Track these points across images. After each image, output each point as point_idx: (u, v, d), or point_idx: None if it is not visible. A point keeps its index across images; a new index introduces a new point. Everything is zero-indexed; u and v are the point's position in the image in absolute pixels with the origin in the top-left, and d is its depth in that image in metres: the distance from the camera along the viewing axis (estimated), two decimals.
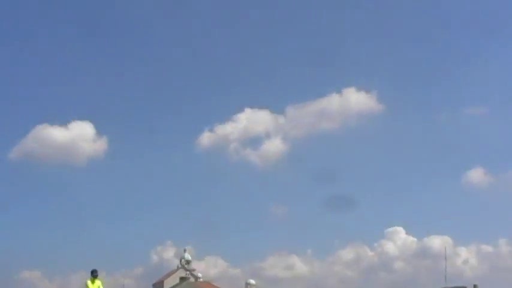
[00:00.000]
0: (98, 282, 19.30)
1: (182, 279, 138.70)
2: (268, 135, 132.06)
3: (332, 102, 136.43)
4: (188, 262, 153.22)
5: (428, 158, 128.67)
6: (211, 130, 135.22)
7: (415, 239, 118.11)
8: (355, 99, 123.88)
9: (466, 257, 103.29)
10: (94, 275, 19.24)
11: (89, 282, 19.03)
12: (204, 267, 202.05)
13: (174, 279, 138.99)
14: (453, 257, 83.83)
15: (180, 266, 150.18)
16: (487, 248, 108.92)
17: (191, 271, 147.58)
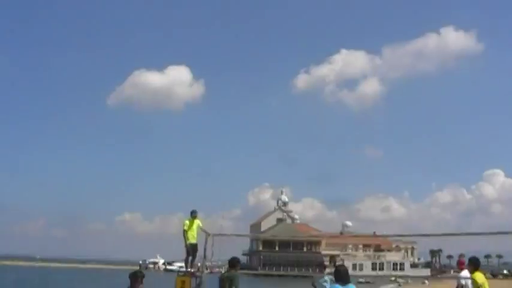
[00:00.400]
0: (197, 221, 18.63)
1: (279, 220, 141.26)
2: (364, 77, 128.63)
3: (429, 42, 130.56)
4: (285, 204, 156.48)
5: None
6: (307, 72, 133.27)
7: None
8: (454, 39, 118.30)
9: None
10: (193, 215, 18.63)
11: (187, 221, 18.35)
12: (301, 209, 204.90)
13: (271, 221, 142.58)
14: None
15: (277, 207, 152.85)
16: None
17: (288, 213, 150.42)
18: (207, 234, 18.83)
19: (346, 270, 10.33)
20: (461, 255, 19.12)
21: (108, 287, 53.44)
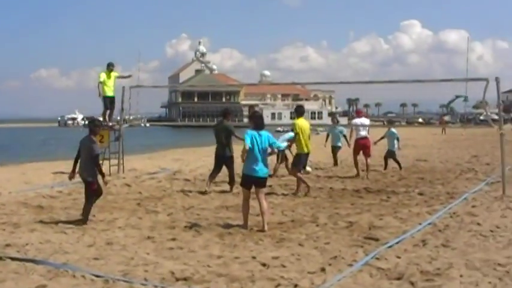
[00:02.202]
0: (114, 74, 18.02)
1: (197, 71, 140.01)
2: None
3: None
4: (203, 54, 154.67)
5: None
6: None
7: (430, 33, 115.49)
8: None
9: (481, 53, 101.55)
10: (110, 67, 17.90)
11: (103, 73, 17.71)
12: (220, 60, 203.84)
13: (189, 72, 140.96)
14: (468, 52, 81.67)
15: (195, 58, 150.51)
16: (503, 44, 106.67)
17: (206, 63, 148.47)
18: (127, 77, 18.42)
19: (261, 116, 10.61)
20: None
21: (35, 143, 52.73)
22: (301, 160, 14.28)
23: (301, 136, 14.07)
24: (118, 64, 19.35)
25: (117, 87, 18.53)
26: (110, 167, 17.32)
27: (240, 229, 9.79)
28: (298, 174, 14.20)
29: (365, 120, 18.57)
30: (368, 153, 17.74)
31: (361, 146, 17.77)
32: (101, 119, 17.72)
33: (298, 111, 14.67)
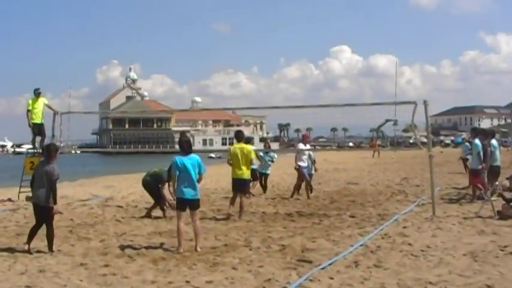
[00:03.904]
0: (42, 100, 17.67)
1: (128, 98, 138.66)
2: None
3: None
4: (134, 81, 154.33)
5: None
6: None
7: (360, 58, 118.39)
8: None
9: (410, 77, 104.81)
10: (36, 93, 17.54)
11: (30, 100, 17.37)
12: (151, 86, 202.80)
13: (120, 99, 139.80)
14: (397, 76, 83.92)
15: (125, 85, 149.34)
16: (431, 69, 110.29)
17: (137, 90, 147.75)
18: (55, 112, 18.03)
19: (188, 140, 10.78)
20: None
21: None
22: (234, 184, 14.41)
23: (233, 161, 14.22)
24: (48, 90, 19.25)
25: (47, 113, 18.19)
26: None
27: (174, 254, 9.75)
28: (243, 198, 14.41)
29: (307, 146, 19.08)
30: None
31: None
32: (31, 146, 17.37)
33: (237, 136, 14.85)
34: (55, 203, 10.20)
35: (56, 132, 17.84)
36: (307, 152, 18.62)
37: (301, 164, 18.06)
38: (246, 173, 14.24)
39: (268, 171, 20.29)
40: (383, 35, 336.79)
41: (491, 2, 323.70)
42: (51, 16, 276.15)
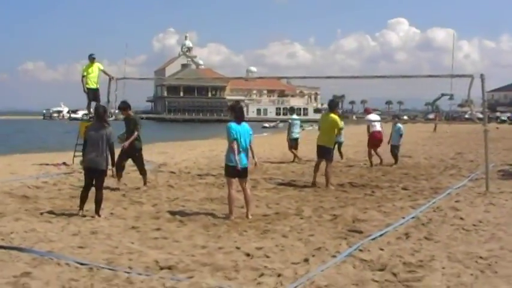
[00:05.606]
0: (96, 65, 17.88)
1: (184, 66, 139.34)
2: None
3: None
4: (189, 49, 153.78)
5: None
6: None
7: (418, 31, 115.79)
8: None
9: (468, 52, 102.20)
10: (91, 58, 17.74)
11: (85, 66, 17.65)
12: (207, 54, 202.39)
13: (175, 67, 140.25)
14: (455, 50, 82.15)
15: (181, 53, 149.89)
16: (489, 44, 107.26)
17: (192, 58, 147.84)
18: (110, 78, 18.24)
19: (241, 108, 10.71)
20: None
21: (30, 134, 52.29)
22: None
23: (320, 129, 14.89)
24: (105, 57, 19.45)
25: (103, 79, 18.41)
26: None
27: (225, 220, 9.84)
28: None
29: (376, 116, 20.14)
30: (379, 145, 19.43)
31: (377, 140, 19.30)
32: (86, 111, 17.62)
33: (329, 105, 15.29)
34: (113, 165, 10.41)
35: (111, 98, 18.06)
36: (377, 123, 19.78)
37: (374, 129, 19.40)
38: (329, 141, 14.61)
39: (342, 139, 20.36)
40: (441, 8, 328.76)
41: None
42: None
